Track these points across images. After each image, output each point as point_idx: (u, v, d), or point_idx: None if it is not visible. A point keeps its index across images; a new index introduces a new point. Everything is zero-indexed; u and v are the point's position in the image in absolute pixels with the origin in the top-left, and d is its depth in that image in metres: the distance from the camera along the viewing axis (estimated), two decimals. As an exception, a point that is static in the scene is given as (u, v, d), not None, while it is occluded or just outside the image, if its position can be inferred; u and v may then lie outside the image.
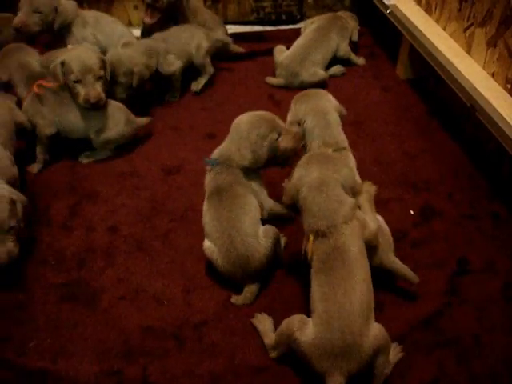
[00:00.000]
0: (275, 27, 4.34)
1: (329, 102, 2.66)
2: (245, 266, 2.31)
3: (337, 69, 3.75)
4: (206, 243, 2.38)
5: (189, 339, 2.21)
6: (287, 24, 4.38)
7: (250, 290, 2.35)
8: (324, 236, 2.06)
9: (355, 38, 3.93)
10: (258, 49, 4.01)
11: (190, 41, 3.50)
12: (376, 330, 1.98)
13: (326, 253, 2.04)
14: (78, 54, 2.91)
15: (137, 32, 3.84)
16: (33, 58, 3.13)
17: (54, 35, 3.41)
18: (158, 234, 2.61)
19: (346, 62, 3.82)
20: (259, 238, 2.33)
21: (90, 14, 3.54)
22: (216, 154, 2.50)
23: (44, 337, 2.22)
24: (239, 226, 2.31)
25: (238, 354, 2.17)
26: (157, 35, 3.45)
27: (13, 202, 2.37)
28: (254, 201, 2.41)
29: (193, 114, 3.39)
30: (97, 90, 2.88)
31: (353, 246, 2.04)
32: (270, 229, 2.37)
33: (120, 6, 4.25)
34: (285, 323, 2.08)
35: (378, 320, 2.03)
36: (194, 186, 2.86)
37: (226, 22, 4.26)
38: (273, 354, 2.15)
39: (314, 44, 3.67)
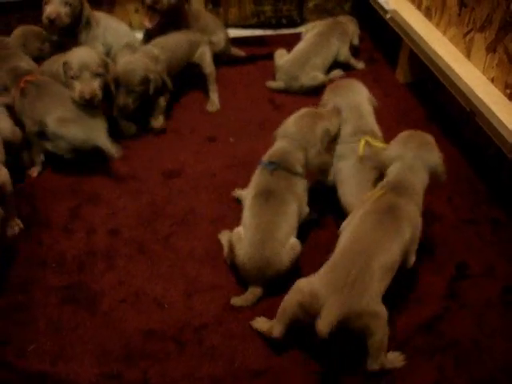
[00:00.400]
0: (275, 31, 4.35)
1: (361, 94, 2.81)
2: (263, 268, 2.32)
3: (337, 73, 3.77)
4: (239, 229, 2.41)
5: (189, 342, 2.21)
6: (287, 28, 4.38)
7: (253, 292, 2.36)
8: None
9: (356, 42, 3.94)
10: (259, 53, 4.01)
11: (191, 48, 3.49)
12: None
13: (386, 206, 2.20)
14: (78, 53, 2.96)
15: (138, 35, 3.86)
16: (24, 62, 3.15)
17: (67, 35, 3.36)
18: (159, 238, 2.62)
19: (345, 66, 3.84)
20: (287, 249, 2.35)
21: (100, 15, 3.55)
22: (272, 156, 2.52)
23: (44, 339, 2.22)
24: (276, 231, 2.34)
25: (237, 357, 2.17)
26: (157, 41, 3.43)
27: None
28: (296, 209, 2.44)
29: (193, 117, 3.40)
30: (92, 86, 2.89)
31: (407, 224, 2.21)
32: (298, 244, 2.38)
33: (121, 9, 4.25)
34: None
35: (377, 324, 2.05)
36: (194, 190, 2.87)
37: (227, 26, 4.26)
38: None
39: (314, 48, 3.69)
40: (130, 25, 4.29)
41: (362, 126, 2.69)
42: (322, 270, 2.10)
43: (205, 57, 3.53)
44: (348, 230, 2.21)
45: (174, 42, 3.42)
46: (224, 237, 2.55)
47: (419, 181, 2.32)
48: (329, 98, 2.78)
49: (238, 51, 3.89)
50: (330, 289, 2.00)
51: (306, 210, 2.53)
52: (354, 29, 3.96)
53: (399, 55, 3.77)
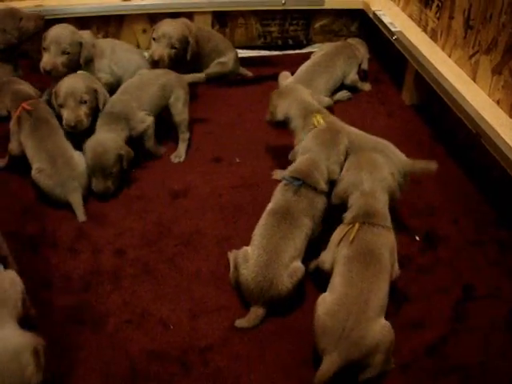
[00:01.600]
0: (282, 52, 4.38)
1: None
2: (265, 289, 2.32)
3: (343, 94, 3.77)
4: (247, 248, 2.42)
5: (194, 364, 2.20)
6: (294, 49, 4.42)
7: (256, 313, 2.35)
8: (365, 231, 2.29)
9: (365, 66, 3.92)
10: (265, 73, 4.02)
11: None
12: (383, 326, 2.10)
13: (365, 247, 2.23)
14: (65, 81, 3.00)
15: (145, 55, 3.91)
16: (25, 86, 3.20)
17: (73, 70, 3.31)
18: (165, 258, 2.62)
19: (352, 87, 3.85)
20: (289, 272, 2.34)
21: (106, 44, 3.51)
22: (298, 172, 2.53)
23: (48, 358, 2.22)
24: (282, 253, 2.34)
25: (242, 379, 2.16)
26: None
27: None
28: (308, 233, 2.45)
29: (199, 137, 3.40)
30: (77, 112, 2.94)
31: (386, 251, 2.25)
32: (301, 269, 2.38)
33: (129, 29, 4.30)
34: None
35: (383, 347, 2.04)
36: (200, 210, 2.88)
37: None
38: None
39: (317, 69, 3.67)
40: (138, 45, 4.33)
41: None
42: (321, 317, 2.13)
43: (177, 103, 3.23)
44: (337, 279, 2.21)
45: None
46: (232, 256, 2.55)
47: (383, 204, 2.38)
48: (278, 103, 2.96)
49: (245, 71, 3.92)
50: (328, 339, 2.07)
51: (319, 228, 2.54)
52: (364, 52, 3.94)
53: (405, 77, 3.79)
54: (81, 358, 2.21)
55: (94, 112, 3.03)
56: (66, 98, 2.93)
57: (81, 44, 3.25)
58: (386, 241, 2.29)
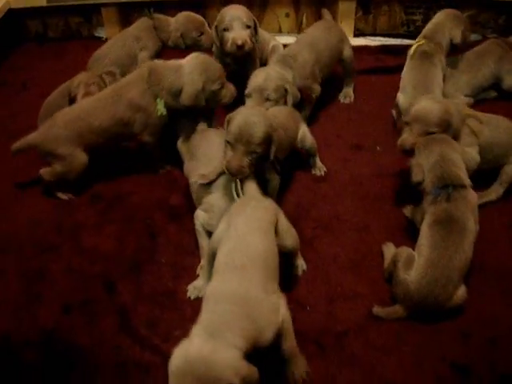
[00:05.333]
0: (425, 41, 4.26)
1: None
2: (429, 303, 2.26)
3: (489, 93, 3.58)
4: (411, 252, 2.37)
5: (330, 347, 2.22)
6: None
7: (398, 312, 2.32)
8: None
9: None
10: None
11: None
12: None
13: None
14: (229, 10, 3.21)
15: (286, 39, 3.94)
16: None
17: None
18: (303, 239, 2.63)
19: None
20: (458, 295, 2.28)
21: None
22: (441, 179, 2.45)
23: (189, 326, 2.29)
24: (453, 271, 2.26)
25: (377, 368, 2.16)
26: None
27: None
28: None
29: (340, 125, 3.41)
30: (243, 34, 3.11)
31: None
32: (465, 293, 2.31)
33: (272, 13, 4.36)
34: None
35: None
36: (339, 196, 2.89)
37: (376, 34, 4.27)
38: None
39: (460, 66, 3.45)
40: (280, 30, 4.39)
41: None
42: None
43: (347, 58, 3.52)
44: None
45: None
46: (389, 250, 2.51)
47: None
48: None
49: None
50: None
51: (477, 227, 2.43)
52: None
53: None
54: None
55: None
56: (231, 21, 3.15)
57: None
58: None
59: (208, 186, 2.55)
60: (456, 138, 2.63)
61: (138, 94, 2.85)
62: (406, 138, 2.66)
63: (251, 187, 2.43)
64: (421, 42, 3.36)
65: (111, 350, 2.23)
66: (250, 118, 2.41)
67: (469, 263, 2.32)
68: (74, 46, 4.38)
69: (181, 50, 3.57)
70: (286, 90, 2.98)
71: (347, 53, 3.52)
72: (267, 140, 2.43)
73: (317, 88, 3.27)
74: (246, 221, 2.17)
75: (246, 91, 2.96)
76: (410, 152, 2.62)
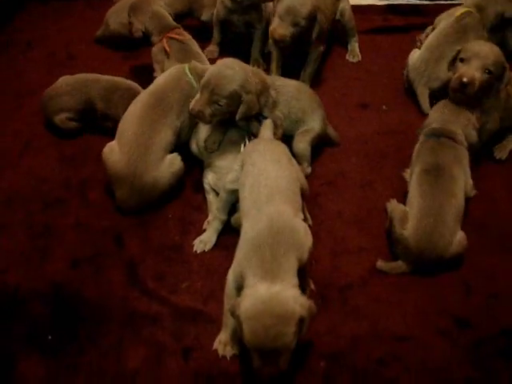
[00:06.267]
0: (432, 1, 4.20)
1: None
2: (427, 254, 2.30)
3: None
4: (404, 208, 2.42)
5: (334, 300, 2.26)
6: (445, -1, 4.24)
7: (401, 267, 2.36)
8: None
9: None
10: (414, 22, 3.91)
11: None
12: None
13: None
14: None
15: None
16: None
17: None
18: (309, 196, 2.65)
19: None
20: (456, 241, 2.32)
21: None
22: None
23: (196, 279, 2.35)
24: (446, 216, 2.32)
25: (381, 320, 2.20)
26: None
27: None
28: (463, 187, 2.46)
29: (346, 83, 3.40)
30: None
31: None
32: (465, 238, 2.36)
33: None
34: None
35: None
36: (345, 154, 2.91)
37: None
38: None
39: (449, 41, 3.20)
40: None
41: None
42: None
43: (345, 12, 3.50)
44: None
45: None
46: (390, 208, 2.51)
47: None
48: None
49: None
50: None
51: (470, 182, 2.48)
52: None
53: None
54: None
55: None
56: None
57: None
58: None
59: (217, 149, 2.61)
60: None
61: None
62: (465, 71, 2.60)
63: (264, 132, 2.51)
64: (468, 11, 3.25)
65: (119, 302, 2.27)
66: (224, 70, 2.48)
67: (462, 210, 2.37)
68: (77, 5, 4.33)
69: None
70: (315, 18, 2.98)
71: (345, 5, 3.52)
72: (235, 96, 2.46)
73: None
74: (261, 155, 2.25)
75: (278, 11, 2.89)
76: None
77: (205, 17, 3.63)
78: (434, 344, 2.12)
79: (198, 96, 2.49)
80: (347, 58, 3.60)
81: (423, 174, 2.41)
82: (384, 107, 3.20)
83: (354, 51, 3.62)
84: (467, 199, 2.46)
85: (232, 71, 2.46)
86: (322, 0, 3.15)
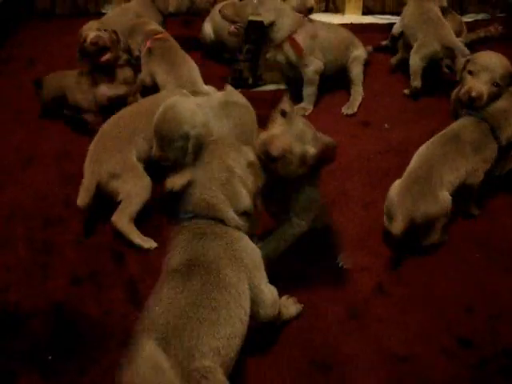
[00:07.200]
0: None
1: None
2: (408, 205, 2.41)
3: None
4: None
5: (335, 319, 2.24)
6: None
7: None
8: None
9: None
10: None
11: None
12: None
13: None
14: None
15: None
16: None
17: None
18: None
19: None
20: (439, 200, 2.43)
21: None
22: None
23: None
24: (437, 173, 2.47)
25: (383, 341, 2.17)
26: None
27: None
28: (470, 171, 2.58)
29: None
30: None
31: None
32: (450, 200, 2.45)
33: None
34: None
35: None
36: (346, 172, 2.91)
37: (384, 12, 4.23)
38: None
39: None
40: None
41: None
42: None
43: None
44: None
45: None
46: None
47: None
48: None
49: None
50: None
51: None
52: None
53: None
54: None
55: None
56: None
57: None
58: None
59: None
60: None
61: None
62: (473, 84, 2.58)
63: None
64: None
65: (120, 320, 2.25)
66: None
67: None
68: (80, 22, 4.34)
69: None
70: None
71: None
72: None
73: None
74: None
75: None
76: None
77: None
78: (436, 364, 2.10)
79: None
80: (343, 111, 3.37)
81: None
82: (386, 125, 3.22)
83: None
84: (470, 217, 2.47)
85: None
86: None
